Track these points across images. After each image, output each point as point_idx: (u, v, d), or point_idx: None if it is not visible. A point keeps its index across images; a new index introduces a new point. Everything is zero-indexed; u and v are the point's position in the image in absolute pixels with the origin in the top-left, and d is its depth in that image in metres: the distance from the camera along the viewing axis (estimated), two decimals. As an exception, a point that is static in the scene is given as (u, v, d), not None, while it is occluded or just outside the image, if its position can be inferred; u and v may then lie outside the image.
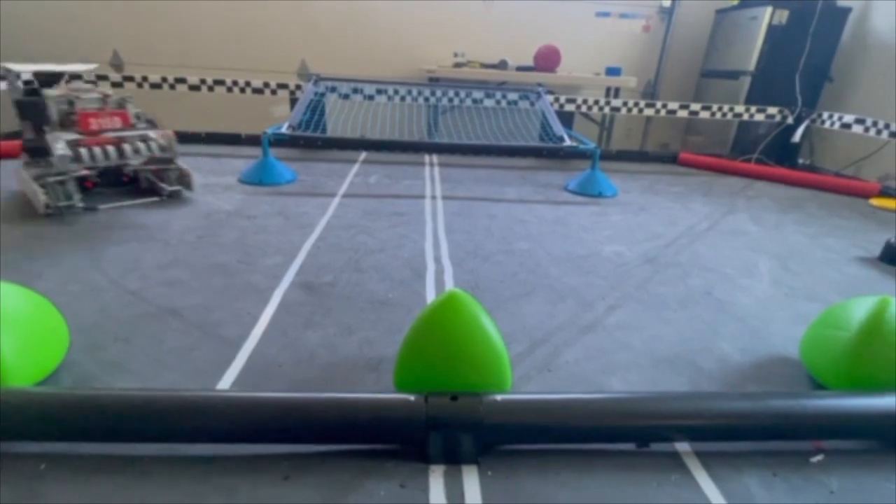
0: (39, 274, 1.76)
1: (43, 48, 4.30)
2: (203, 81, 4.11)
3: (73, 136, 2.29)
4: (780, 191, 3.67)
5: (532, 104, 4.18)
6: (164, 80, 4.04)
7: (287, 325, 1.53)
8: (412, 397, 1.04)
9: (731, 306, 1.81)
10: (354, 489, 0.96)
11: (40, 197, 2.21)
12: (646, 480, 1.02)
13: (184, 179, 2.69)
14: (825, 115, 4.18)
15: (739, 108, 4.31)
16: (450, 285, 1.86)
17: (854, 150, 4.11)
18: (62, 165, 2.22)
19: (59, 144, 2.21)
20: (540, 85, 4.25)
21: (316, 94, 3.85)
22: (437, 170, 3.77)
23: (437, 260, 2.08)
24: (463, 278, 1.91)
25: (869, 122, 3.79)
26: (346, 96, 4.08)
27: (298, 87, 4.15)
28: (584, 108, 4.40)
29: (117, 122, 2.44)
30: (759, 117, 4.31)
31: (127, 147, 2.44)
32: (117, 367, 1.29)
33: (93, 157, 2.33)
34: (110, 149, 2.39)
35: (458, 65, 4.50)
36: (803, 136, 4.28)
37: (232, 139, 4.20)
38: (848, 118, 3.95)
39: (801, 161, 4.54)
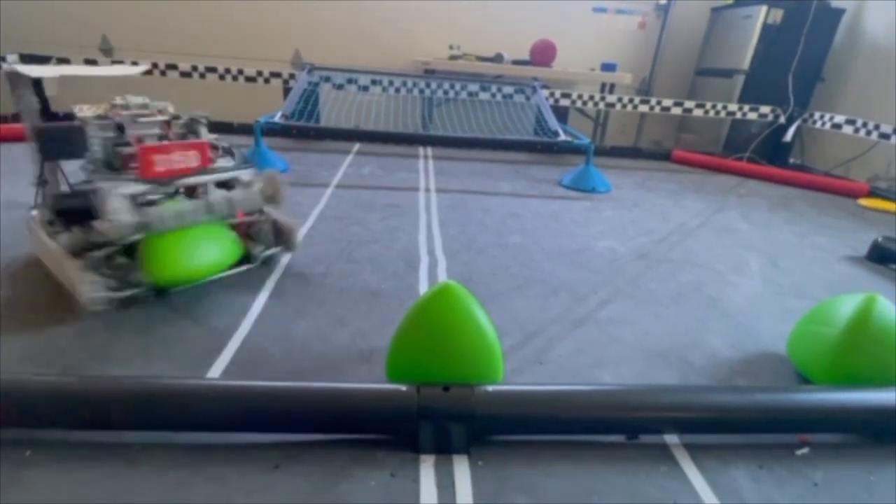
0: (25, 260, 1.73)
1: (30, 32, 4.21)
2: (195, 68, 4.05)
3: (130, 185, 1.44)
4: (771, 189, 3.70)
5: (527, 98, 4.18)
6: (155, 66, 3.97)
7: (278, 315, 1.52)
8: (404, 387, 1.04)
9: (721, 302, 1.82)
10: (345, 478, 0.96)
11: (85, 286, 1.38)
12: (635, 472, 1.02)
13: (283, 237, 1.83)
14: (816, 115, 4.21)
15: (732, 107, 4.33)
16: (443, 278, 1.85)
17: (844, 150, 4.16)
18: (119, 234, 1.39)
19: (117, 203, 1.38)
20: (535, 79, 4.24)
21: (310, 83, 3.82)
22: (431, 162, 3.76)
23: (431, 252, 2.08)
24: (456, 271, 1.91)
25: (859, 122, 3.83)
26: (340, 86, 4.04)
27: (292, 76, 4.10)
28: (578, 104, 4.40)
29: (193, 158, 1.57)
30: (752, 116, 4.34)
31: (215, 199, 1.58)
32: (105, 355, 1.27)
33: (163, 221, 1.46)
34: (186, 205, 1.53)
35: (453, 57, 4.47)
36: (795, 135, 4.32)
37: (223, 127, 4.14)
38: (839, 118, 3.99)
39: (791, 160, 4.59)
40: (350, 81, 4.03)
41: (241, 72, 4.10)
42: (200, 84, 4.14)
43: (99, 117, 1.52)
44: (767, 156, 4.41)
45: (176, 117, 1.64)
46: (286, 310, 1.55)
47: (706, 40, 4.92)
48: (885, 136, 3.64)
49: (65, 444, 0.99)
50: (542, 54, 4.47)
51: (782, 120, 4.33)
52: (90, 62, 3.92)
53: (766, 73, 4.33)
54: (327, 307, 1.58)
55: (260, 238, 1.79)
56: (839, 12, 4.25)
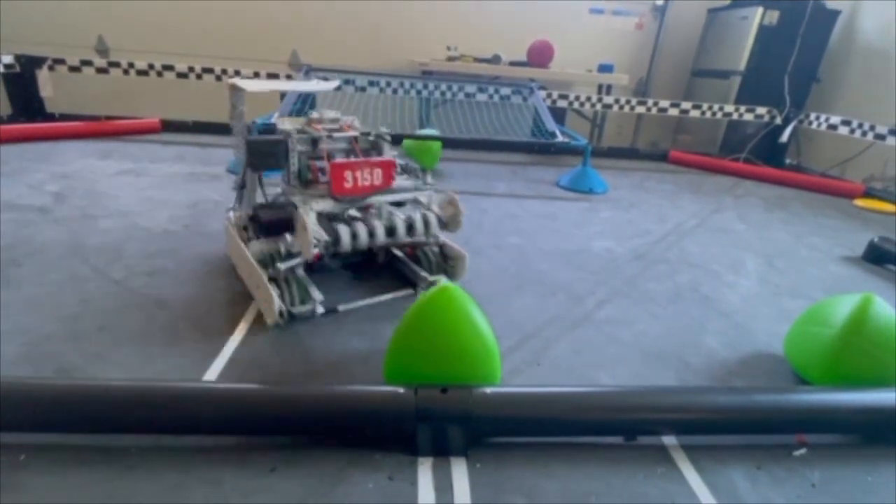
0: None
1: (26, 32, 4.19)
2: (191, 69, 4.04)
3: (321, 201, 1.49)
4: (767, 190, 3.71)
5: (525, 99, 4.18)
6: (152, 66, 3.96)
7: (275, 316, 1.51)
8: (402, 390, 1.04)
9: (717, 302, 1.83)
10: (342, 481, 0.95)
11: (273, 303, 1.40)
12: (633, 473, 1.02)
13: (451, 262, 1.74)
14: (812, 115, 4.23)
15: (729, 108, 4.35)
16: (441, 279, 1.85)
17: (840, 150, 4.17)
18: (309, 250, 1.39)
19: (312, 219, 1.41)
20: (533, 80, 4.24)
21: (307, 84, 3.81)
22: (428, 163, 3.75)
23: (428, 253, 2.07)
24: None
25: (855, 123, 3.84)
26: (337, 88, 4.03)
27: (290, 76, 4.09)
28: (576, 105, 4.40)
29: (378, 176, 1.54)
30: (748, 117, 4.35)
31: (398, 221, 1.56)
32: (101, 357, 1.26)
33: (356, 239, 1.49)
34: (378, 226, 1.52)
35: (451, 58, 4.47)
36: (791, 136, 4.34)
37: (220, 128, 4.12)
38: (834, 119, 4.00)
39: (788, 161, 4.60)
40: (347, 82, 4.02)
41: (237, 72, 4.08)
42: (197, 85, 4.13)
43: (299, 131, 1.56)
44: (764, 156, 4.43)
45: (365, 133, 1.64)
46: (283, 311, 1.54)
47: (703, 41, 4.94)
48: (880, 137, 3.66)
49: (60, 447, 0.98)
50: (540, 55, 4.47)
51: (778, 121, 4.35)
52: (86, 63, 3.90)
53: (762, 74, 4.34)
54: (324, 309, 1.58)
55: (425, 262, 1.73)
56: (835, 13, 4.26)
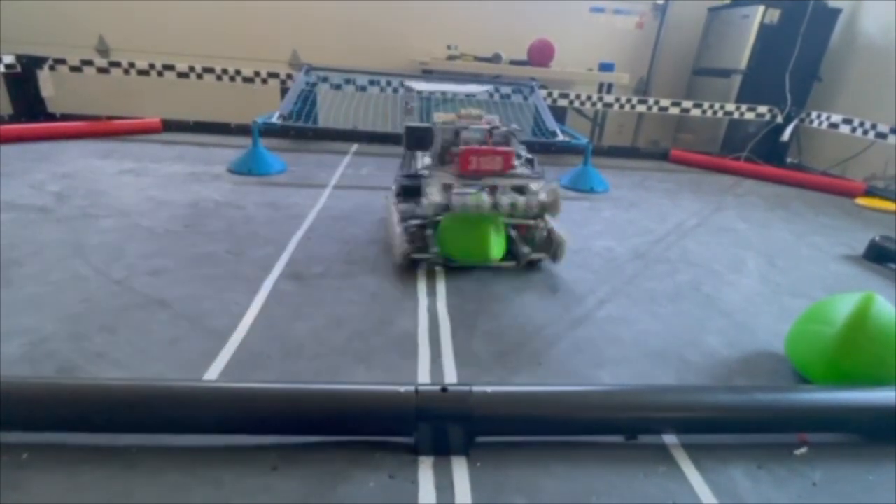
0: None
1: (26, 32, 4.19)
2: (192, 69, 4.04)
3: (446, 176, 1.91)
4: (769, 189, 3.71)
5: (525, 98, 4.17)
6: (152, 66, 3.96)
7: (276, 316, 1.51)
8: (402, 389, 1.04)
9: (718, 301, 1.83)
10: (343, 480, 0.95)
11: (397, 248, 1.86)
12: (633, 472, 1.02)
13: (552, 246, 1.95)
14: (814, 114, 4.22)
15: (730, 107, 4.34)
16: (441, 278, 1.85)
17: (841, 149, 4.17)
18: (429, 211, 1.83)
19: (432, 189, 1.86)
20: (533, 79, 4.23)
21: (307, 83, 3.80)
22: (429, 163, 3.75)
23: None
24: (455, 271, 1.91)
25: (856, 122, 3.84)
26: (338, 87, 4.04)
27: (289, 76, 4.09)
28: (576, 104, 4.40)
29: (498, 162, 1.88)
30: (750, 116, 4.35)
31: (504, 200, 1.81)
32: (102, 357, 1.27)
33: (459, 206, 1.79)
34: (485, 199, 1.80)
35: (451, 57, 4.47)
36: (792, 135, 4.33)
37: (221, 128, 4.14)
38: (836, 118, 3.99)
39: (789, 160, 4.59)
40: (348, 82, 4.02)
41: (238, 72, 4.08)
42: (198, 84, 4.13)
43: (444, 123, 2.02)
44: (765, 155, 4.42)
45: (496, 128, 1.97)
46: (284, 311, 1.54)
47: (703, 40, 4.93)
48: (881, 136, 3.65)
49: (62, 447, 0.99)
50: (540, 54, 4.47)
51: (779, 119, 4.34)
52: (87, 63, 3.91)
53: (763, 73, 4.34)
54: (325, 308, 1.58)
55: (531, 242, 2.00)
56: (836, 12, 4.26)
